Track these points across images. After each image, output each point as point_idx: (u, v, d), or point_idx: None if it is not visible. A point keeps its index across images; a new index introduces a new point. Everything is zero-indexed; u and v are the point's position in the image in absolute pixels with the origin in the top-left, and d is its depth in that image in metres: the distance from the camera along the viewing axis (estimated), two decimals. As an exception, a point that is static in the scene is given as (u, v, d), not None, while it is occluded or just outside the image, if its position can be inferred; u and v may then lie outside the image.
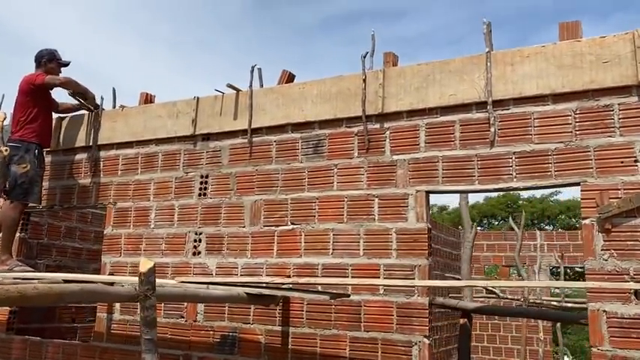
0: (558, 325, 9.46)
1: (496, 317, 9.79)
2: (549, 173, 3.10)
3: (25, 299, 1.97)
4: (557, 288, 11.67)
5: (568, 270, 18.44)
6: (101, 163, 4.75)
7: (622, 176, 2.92)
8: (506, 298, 7.93)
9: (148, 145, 4.56)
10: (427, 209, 3.45)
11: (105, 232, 4.60)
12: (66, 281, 2.94)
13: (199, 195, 4.24)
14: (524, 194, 25.61)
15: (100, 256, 6.22)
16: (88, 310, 6.29)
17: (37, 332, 5.02)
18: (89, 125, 4.84)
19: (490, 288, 8.19)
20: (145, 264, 2.51)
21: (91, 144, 4.79)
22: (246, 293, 3.30)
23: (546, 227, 22.69)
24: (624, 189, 2.90)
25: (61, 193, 4.90)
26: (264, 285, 3.39)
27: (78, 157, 4.89)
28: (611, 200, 2.90)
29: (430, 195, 3.49)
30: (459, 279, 9.01)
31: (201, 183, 4.26)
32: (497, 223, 24.12)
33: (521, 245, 7.49)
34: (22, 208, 4.52)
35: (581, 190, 3.00)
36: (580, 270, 20.28)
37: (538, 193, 25.98)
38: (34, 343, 4.73)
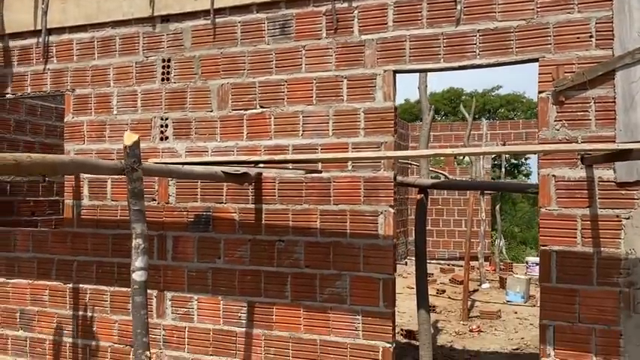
0: (497, 207, 10.24)
1: (445, 193, 11.18)
2: (511, 50, 3.27)
3: (20, 168, 2.00)
4: (498, 177, 12.48)
5: (510, 159, 19.59)
6: (54, 48, 4.54)
7: (577, 51, 3.12)
8: (455, 180, 8.53)
9: (103, 28, 4.37)
10: (394, 89, 3.59)
11: (65, 120, 4.50)
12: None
13: (162, 80, 4.19)
14: (467, 89, 26.27)
15: (52, 149, 6.15)
16: (47, 203, 6.28)
17: None
18: (36, 7, 4.55)
19: (440, 173, 8.70)
20: (130, 137, 2.56)
21: (40, 28, 4.53)
22: (223, 172, 3.42)
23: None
24: (579, 63, 3.12)
25: (12, 81, 4.69)
26: (240, 162, 3.51)
27: (27, 42, 4.63)
28: (565, 74, 3.13)
29: (397, 75, 3.61)
30: (414, 164, 9.48)
31: (163, 67, 4.19)
32: (439, 118, 24.81)
33: (470, 130, 7.86)
34: None
35: (539, 66, 3.20)
36: (515, 162, 21.55)
37: (480, 88, 26.72)
38: (2, 232, 4.75)
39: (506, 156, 11.97)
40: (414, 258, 8.45)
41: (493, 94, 25.09)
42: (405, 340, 5.35)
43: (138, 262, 2.66)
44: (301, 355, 3.73)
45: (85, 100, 4.42)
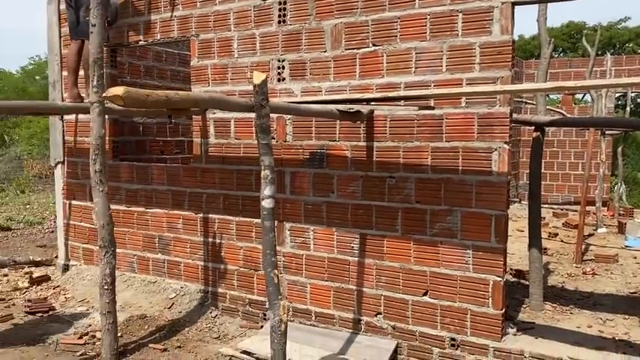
0: (619, 150, 9.55)
1: (562, 134, 10.82)
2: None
3: (170, 102, 2.29)
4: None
5: (637, 98, 17.90)
6: (179, -4, 4.87)
7: None
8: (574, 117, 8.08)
9: (223, -26, 4.59)
10: (512, 22, 3.48)
11: (191, 64, 4.87)
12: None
13: (279, 22, 4.36)
14: (590, 22, 23.98)
15: (160, 89, 6.63)
16: (174, 143, 6.88)
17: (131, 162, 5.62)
18: (162, -42, 4.87)
19: (557, 111, 8.26)
20: (258, 76, 2.78)
21: (164, -23, 4.86)
22: (338, 110, 3.58)
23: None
24: None
25: (144, 29, 5.12)
26: (354, 100, 3.64)
27: (155, -9, 5.00)
28: None
29: (515, 7, 3.49)
30: (529, 103, 9.08)
31: (279, 10, 4.35)
32: (557, 55, 23.03)
33: (592, 66, 7.31)
34: None
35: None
36: (644, 100, 19.59)
37: (605, 21, 24.28)
38: (140, 167, 5.34)
39: (633, 94, 10.96)
40: (525, 201, 8.25)
41: (620, 26, 22.71)
42: (514, 279, 5.36)
43: (266, 190, 2.94)
44: (411, 284, 3.92)
45: (208, 44, 4.74)
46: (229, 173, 4.72)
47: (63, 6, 5.67)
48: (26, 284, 5.64)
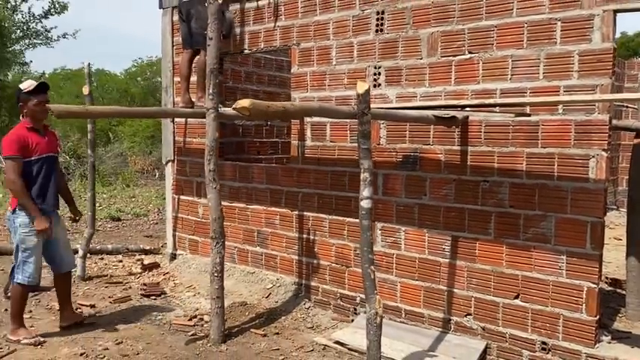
0: None
1: None
2: None
3: (288, 113, 2.57)
4: None
5: None
6: (282, 7, 5.21)
7: None
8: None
9: (324, -14, 4.87)
10: (614, 29, 3.47)
11: (292, 71, 5.20)
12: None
13: (376, 31, 4.58)
14: None
15: (272, 96, 7.02)
16: (269, 144, 7.28)
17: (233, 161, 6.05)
18: (267, -28, 5.24)
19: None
20: (362, 86, 3.01)
21: (268, -10, 5.22)
22: (434, 115, 3.73)
23: None
24: None
25: (248, 38, 5.52)
26: (451, 107, 3.78)
27: (260, 2, 5.38)
28: None
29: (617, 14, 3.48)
30: (631, 107, 8.68)
31: (377, 19, 4.57)
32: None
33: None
34: None
35: None
36: None
37: None
38: (242, 167, 5.76)
39: None
40: (623, 208, 7.91)
41: None
42: (609, 288, 5.23)
43: (365, 192, 3.16)
44: (503, 287, 3.99)
45: (308, 52, 5.04)
46: (324, 174, 5.00)
47: (175, 17, 6.23)
48: (139, 270, 6.25)
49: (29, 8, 19.59)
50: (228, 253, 5.82)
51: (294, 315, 4.89)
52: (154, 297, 5.25)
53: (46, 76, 24.12)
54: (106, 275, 5.94)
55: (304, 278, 5.19)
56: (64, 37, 20.27)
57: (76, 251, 6.29)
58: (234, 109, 2.40)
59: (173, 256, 6.46)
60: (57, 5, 19.78)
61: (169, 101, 6.39)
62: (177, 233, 6.48)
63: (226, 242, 5.78)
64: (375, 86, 4.60)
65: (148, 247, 7.27)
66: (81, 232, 7.32)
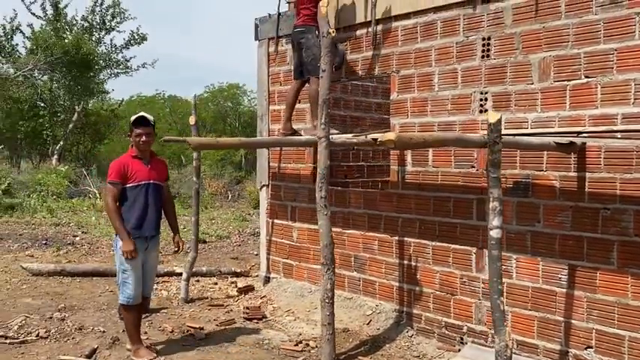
0: None
1: None
2: None
3: (427, 143, 2.61)
4: None
5: None
6: (380, 36, 5.30)
7: None
8: None
9: (426, 14, 4.92)
10: None
11: (391, 98, 5.25)
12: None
13: (482, 57, 4.56)
14: None
15: (359, 121, 7.09)
16: (355, 168, 7.34)
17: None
18: (366, 3, 5.35)
19: None
20: (494, 116, 3.00)
21: (369, 19, 5.32)
22: (555, 142, 3.66)
23: None
24: None
25: (346, 66, 5.63)
26: (575, 134, 3.70)
27: (358, 32, 5.49)
28: None
29: None
30: None
31: (483, 45, 4.55)
32: None
33: None
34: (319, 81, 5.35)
35: None
36: None
37: None
38: (338, 192, 5.83)
39: None
40: None
41: None
42: None
43: (495, 221, 3.13)
44: (628, 320, 3.81)
45: (408, 79, 5.08)
46: (426, 199, 4.98)
47: (272, 48, 6.46)
48: (235, 292, 6.41)
49: (111, 40, 20.81)
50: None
51: (397, 343, 4.86)
52: (256, 320, 5.36)
53: (124, 103, 25.42)
54: (206, 298, 6.13)
55: (405, 305, 5.15)
56: (144, 67, 21.36)
57: (179, 274, 6.57)
58: (380, 142, 2.47)
59: (267, 279, 6.59)
60: (136, 36, 20.92)
61: (264, 129, 6.59)
62: (270, 257, 6.61)
63: (321, 267, 5.87)
64: (481, 112, 4.57)
65: (239, 270, 7.46)
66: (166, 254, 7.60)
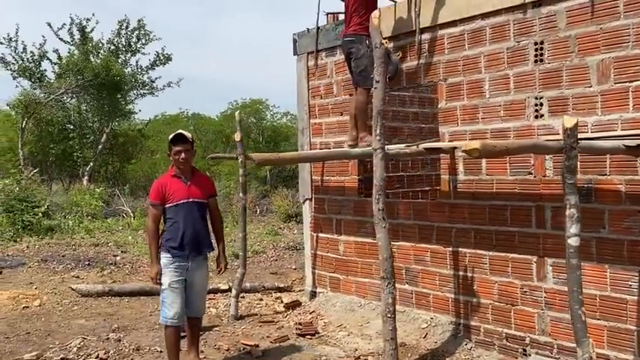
0: None
1: None
2: None
3: (508, 151, 2.54)
4: None
5: None
6: (426, 45, 5.25)
7: None
8: None
9: (472, 21, 4.87)
10: None
11: (439, 106, 5.19)
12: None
13: (535, 62, 4.48)
14: None
15: (396, 131, 7.01)
16: (395, 178, 7.26)
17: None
18: (409, 12, 5.32)
19: None
20: (569, 121, 2.92)
21: (414, 29, 5.29)
22: (625, 145, 3.56)
23: None
24: None
25: (399, 76, 5.57)
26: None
27: (402, 42, 5.46)
28: None
29: None
30: None
31: (535, 50, 4.47)
32: None
33: None
34: (366, 92, 5.31)
35: None
36: None
37: None
38: (386, 203, 5.75)
39: None
40: None
41: None
42: None
43: (572, 229, 3.04)
44: None
45: (456, 87, 5.02)
46: (480, 208, 4.89)
47: (311, 62, 6.46)
48: (282, 308, 6.35)
49: (137, 62, 21.11)
50: (373, 290, 5.80)
51: (457, 356, 4.75)
52: (309, 336, 5.29)
53: (150, 122, 25.74)
54: (255, 314, 6.08)
55: (462, 317, 5.04)
56: (169, 86, 21.62)
57: (224, 291, 6.55)
58: (464, 151, 2.41)
59: (313, 294, 6.52)
60: (162, 57, 21.22)
61: (306, 142, 6.57)
62: (316, 271, 6.55)
63: (372, 280, 5.80)
64: (536, 117, 4.48)
65: (281, 285, 7.41)
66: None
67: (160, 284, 4.30)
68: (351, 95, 6.04)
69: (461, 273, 5.05)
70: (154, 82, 21.79)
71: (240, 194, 6.10)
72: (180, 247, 4.33)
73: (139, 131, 23.49)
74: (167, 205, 4.35)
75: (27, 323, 5.45)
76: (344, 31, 5.55)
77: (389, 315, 4.16)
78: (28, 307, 5.95)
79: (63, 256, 8.68)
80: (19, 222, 9.95)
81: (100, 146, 20.08)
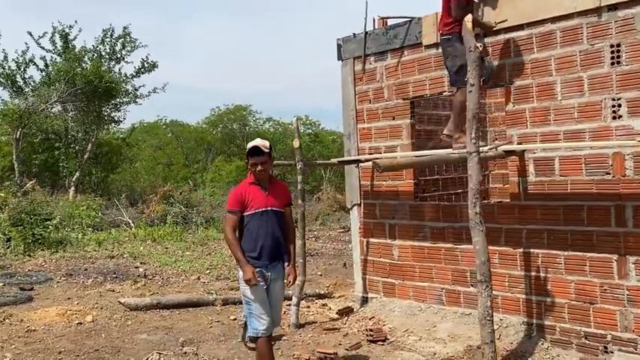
0: None
1: None
2: None
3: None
4: None
5: None
6: (489, 48, 5.29)
7: None
8: None
9: (542, 24, 4.93)
10: None
11: (506, 109, 5.24)
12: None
13: (612, 64, 4.57)
14: None
15: (430, 134, 7.02)
16: (431, 181, 7.29)
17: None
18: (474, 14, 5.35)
19: None
20: None
21: (478, 32, 5.32)
22: None
23: None
24: None
25: (430, 83, 5.61)
26: None
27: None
28: None
29: None
30: None
31: (612, 52, 4.57)
32: None
33: None
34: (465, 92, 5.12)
35: None
36: None
37: None
38: (446, 206, 5.78)
39: None
40: None
41: None
42: None
43: None
44: None
45: (525, 90, 5.07)
46: (554, 209, 4.94)
47: (358, 67, 6.43)
48: (334, 315, 6.27)
49: (119, 69, 20.58)
50: (435, 294, 5.79)
51: (535, 356, 4.79)
52: (380, 342, 5.25)
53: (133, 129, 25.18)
54: (315, 322, 5.99)
55: (535, 317, 5.08)
56: (155, 92, 21.17)
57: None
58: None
59: (364, 300, 6.47)
60: (147, 64, 20.78)
61: (353, 147, 6.53)
62: (367, 276, 6.50)
63: (431, 284, 5.79)
64: (614, 118, 4.57)
65: (322, 292, 7.34)
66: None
67: (252, 287, 4.13)
68: (404, 100, 6.05)
69: (533, 273, 5.09)
70: (137, 90, 21.32)
71: (300, 201, 6.00)
72: (259, 257, 4.22)
73: (123, 140, 22.94)
74: (246, 213, 4.25)
75: (89, 340, 5.21)
76: (439, 27, 5.38)
77: (488, 318, 4.17)
78: (81, 323, 5.70)
79: (85, 269, 8.37)
80: (29, 236, 9.55)
81: (85, 156, 19.51)
